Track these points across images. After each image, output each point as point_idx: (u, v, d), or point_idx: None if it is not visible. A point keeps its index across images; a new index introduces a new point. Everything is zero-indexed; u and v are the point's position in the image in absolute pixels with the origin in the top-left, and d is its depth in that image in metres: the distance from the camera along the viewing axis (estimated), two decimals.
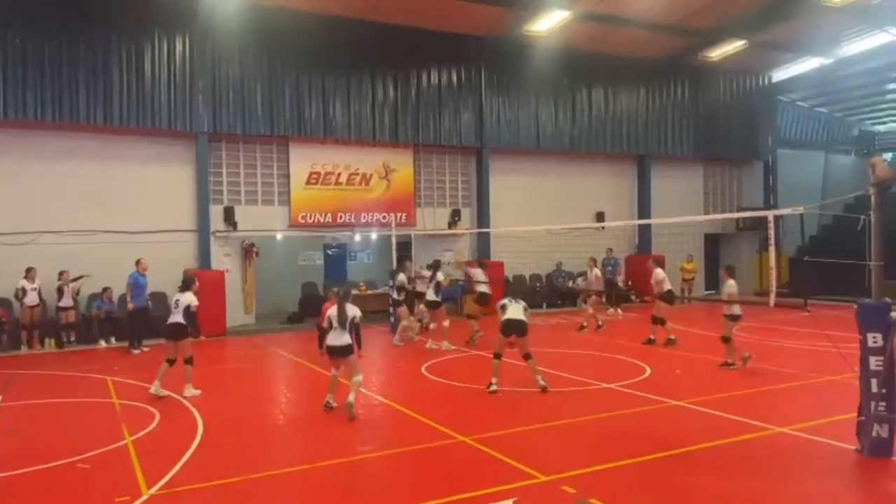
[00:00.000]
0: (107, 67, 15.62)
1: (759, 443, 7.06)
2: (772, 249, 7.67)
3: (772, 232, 7.51)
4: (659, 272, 13.39)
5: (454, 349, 13.21)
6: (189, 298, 9.69)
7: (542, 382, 9.48)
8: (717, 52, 21.73)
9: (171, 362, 9.65)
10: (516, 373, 10.18)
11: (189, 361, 9.66)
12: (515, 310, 9.58)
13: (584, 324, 15.89)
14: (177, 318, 9.67)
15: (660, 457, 6.61)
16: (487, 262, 19.42)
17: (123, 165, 16.33)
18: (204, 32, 16.56)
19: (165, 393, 9.48)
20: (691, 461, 6.56)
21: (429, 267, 14.27)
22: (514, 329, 9.47)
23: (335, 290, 10.27)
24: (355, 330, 8.70)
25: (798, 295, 11.93)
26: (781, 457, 6.63)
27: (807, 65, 23.83)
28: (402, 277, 14.27)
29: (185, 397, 9.41)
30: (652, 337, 13.37)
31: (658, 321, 13.32)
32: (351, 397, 8.35)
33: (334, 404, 8.77)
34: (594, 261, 16.73)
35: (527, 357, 9.59)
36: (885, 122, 28.91)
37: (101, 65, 15.55)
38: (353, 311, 8.66)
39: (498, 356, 9.60)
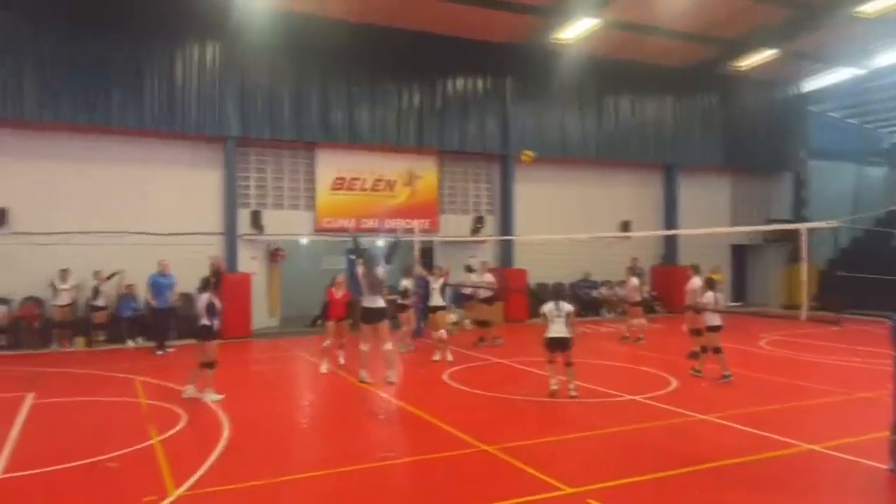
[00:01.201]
0: (139, 72, 15.90)
1: (789, 460, 6.93)
2: (803, 263, 7.54)
3: (804, 245, 7.38)
4: (696, 280, 12.68)
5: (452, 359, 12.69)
6: (202, 299, 9.71)
7: (573, 392, 9.55)
8: (747, 62, 21.49)
9: (210, 365, 9.66)
10: (540, 382, 10.14)
11: (210, 365, 9.59)
12: (559, 327, 9.55)
13: (628, 335, 15.56)
14: (201, 319, 9.73)
15: (687, 472, 6.52)
16: (508, 269, 19.46)
17: (154, 168, 16.59)
18: (234, 39, 16.78)
19: (199, 395, 9.50)
20: (719, 477, 6.46)
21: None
22: (558, 346, 9.60)
23: (339, 277, 10.84)
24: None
25: (828, 309, 11.67)
26: (812, 475, 6.51)
27: (838, 75, 23.45)
28: (404, 283, 14.09)
29: (206, 401, 9.41)
30: (696, 349, 12.83)
31: (696, 332, 12.81)
32: (390, 374, 8.98)
33: (369, 379, 8.96)
34: (632, 270, 16.30)
35: (568, 365, 9.69)
36: None
37: (133, 69, 15.83)
38: (381, 273, 9.11)
39: (551, 361, 9.80)
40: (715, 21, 18.51)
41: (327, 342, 11.72)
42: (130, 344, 15.18)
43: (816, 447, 7.21)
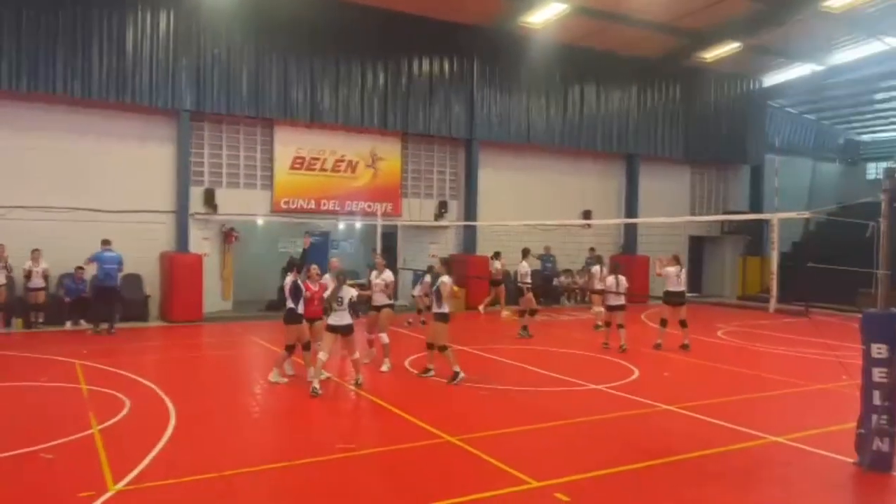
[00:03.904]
0: (86, 39, 14.98)
1: (755, 452, 6.84)
2: (774, 254, 7.44)
3: (775, 236, 7.27)
4: (669, 270, 12.84)
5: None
6: (287, 281, 9.43)
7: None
8: (712, 54, 21.55)
9: (290, 349, 9.42)
10: (506, 370, 9.92)
11: (305, 347, 9.53)
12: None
13: (600, 322, 15.28)
14: (287, 302, 9.39)
15: (655, 464, 6.36)
16: (472, 257, 19.19)
17: (101, 141, 15.70)
18: (190, 8, 15.98)
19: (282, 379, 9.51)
20: (687, 470, 6.31)
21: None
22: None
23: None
24: (352, 308, 9.14)
25: (787, 300, 11.80)
26: (779, 468, 6.42)
27: (799, 70, 23.76)
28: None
29: (312, 383, 8.83)
30: (659, 342, 12.72)
31: (663, 323, 12.93)
32: (359, 377, 9.25)
33: (321, 392, 8.64)
34: (596, 258, 16.45)
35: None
36: (872, 132, 29.07)
37: (80, 36, 14.91)
38: (349, 292, 9.08)
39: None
40: (685, 11, 18.44)
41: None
42: (68, 325, 14.40)
43: (781, 439, 7.15)
